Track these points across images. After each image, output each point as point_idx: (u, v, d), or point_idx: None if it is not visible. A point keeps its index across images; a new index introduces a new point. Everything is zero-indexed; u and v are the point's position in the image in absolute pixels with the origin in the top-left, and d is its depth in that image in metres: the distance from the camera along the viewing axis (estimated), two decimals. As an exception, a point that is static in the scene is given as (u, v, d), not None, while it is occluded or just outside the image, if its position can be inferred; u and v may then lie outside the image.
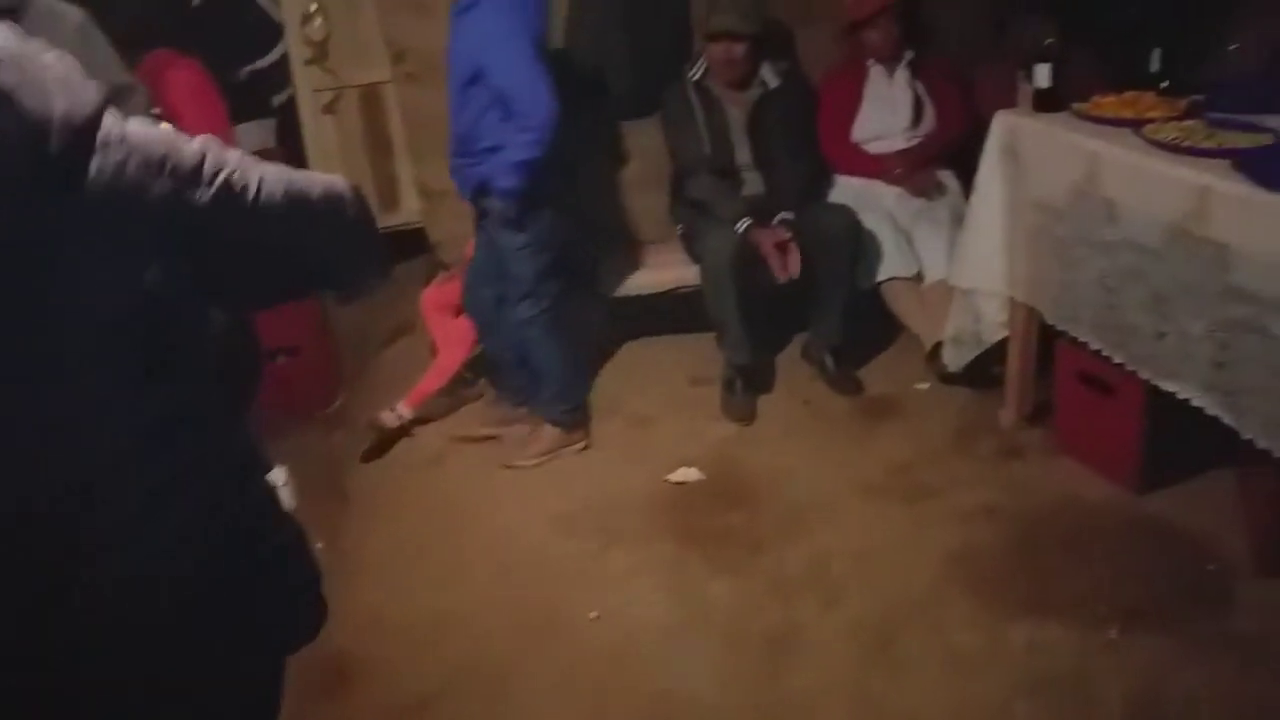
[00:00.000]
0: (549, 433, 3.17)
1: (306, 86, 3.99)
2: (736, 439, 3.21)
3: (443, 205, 3.81)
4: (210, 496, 1.09)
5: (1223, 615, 2.25)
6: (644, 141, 3.82)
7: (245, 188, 1.04)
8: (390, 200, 4.33)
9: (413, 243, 4.04)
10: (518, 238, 2.97)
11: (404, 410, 3.31)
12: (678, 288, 3.58)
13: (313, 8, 3.75)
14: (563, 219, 3.07)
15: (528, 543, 2.78)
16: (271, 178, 1.07)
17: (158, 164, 0.97)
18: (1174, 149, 2.28)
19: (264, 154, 3.83)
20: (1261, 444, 2.08)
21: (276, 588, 1.18)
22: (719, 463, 3.06)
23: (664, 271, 3.62)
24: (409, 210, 4.23)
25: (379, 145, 4.22)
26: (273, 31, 4.03)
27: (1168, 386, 2.33)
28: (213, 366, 1.12)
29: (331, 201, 1.14)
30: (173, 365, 1.04)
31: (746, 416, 3.31)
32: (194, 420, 1.07)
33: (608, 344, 3.79)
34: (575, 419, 3.22)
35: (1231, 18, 3.27)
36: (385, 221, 4.26)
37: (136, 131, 0.98)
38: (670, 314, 3.68)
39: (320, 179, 1.15)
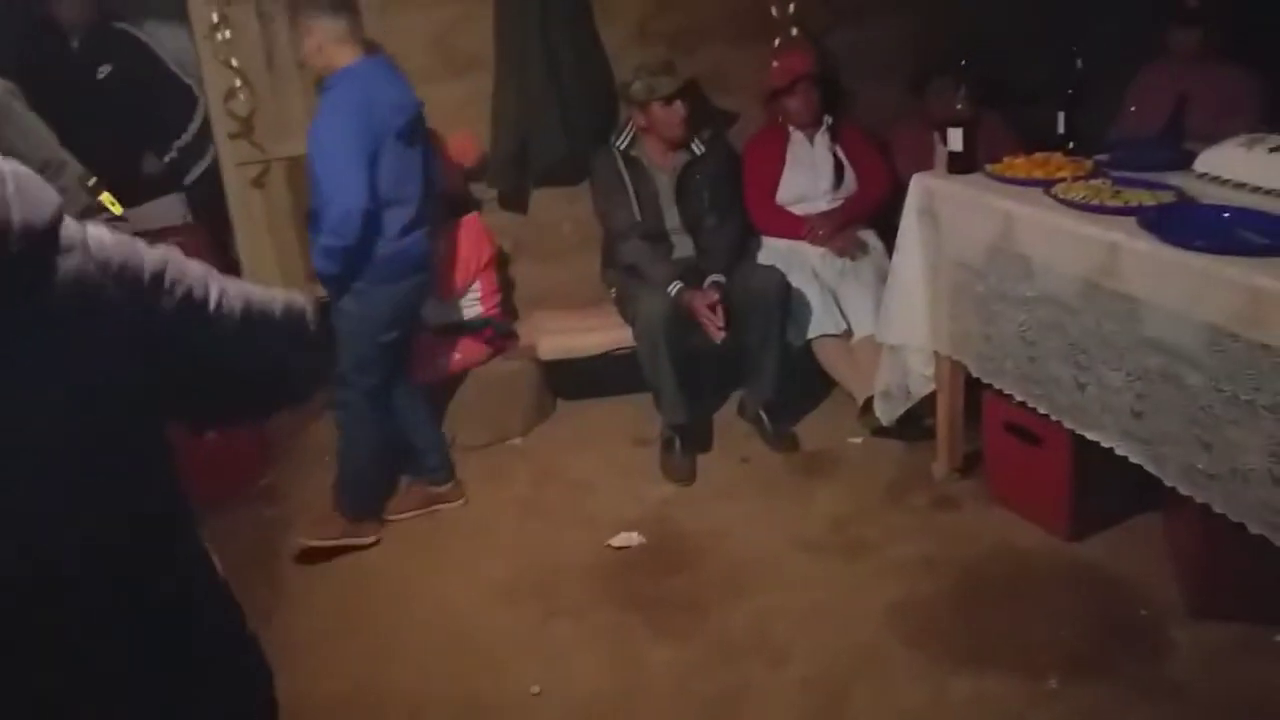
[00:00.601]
0: (335, 519, 3.04)
1: (231, 161, 3.95)
2: (677, 499, 3.21)
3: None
4: (167, 598, 1.07)
5: (1158, 660, 2.30)
6: (575, 208, 3.87)
7: (206, 299, 1.06)
8: (320, 271, 4.29)
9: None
10: (339, 319, 2.90)
11: None
12: (613, 350, 3.60)
13: (236, 83, 3.74)
14: (399, 310, 2.97)
15: (467, 615, 2.72)
16: (233, 292, 1.09)
17: (117, 270, 0.98)
18: (1083, 207, 2.38)
19: (179, 229, 3.81)
20: (1182, 490, 2.14)
21: (233, 685, 1.17)
22: (660, 525, 3.05)
23: (599, 334, 3.64)
24: (339, 280, 4.19)
25: (307, 218, 4.18)
26: (188, 97, 4.00)
27: (1091, 435, 2.40)
28: (171, 473, 1.10)
29: (292, 317, 1.17)
30: (130, 469, 1.03)
31: (686, 477, 3.31)
32: (148, 521, 1.05)
33: (546, 407, 3.78)
34: (359, 512, 3.06)
35: (1129, 82, 3.48)
36: (316, 292, 4.21)
37: (96, 237, 0.98)
38: (608, 376, 3.69)
39: (280, 296, 1.18)
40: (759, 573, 2.77)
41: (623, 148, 3.56)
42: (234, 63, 3.68)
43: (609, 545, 2.95)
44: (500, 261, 3.84)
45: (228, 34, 3.65)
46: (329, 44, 2.80)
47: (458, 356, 3.52)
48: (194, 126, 3.97)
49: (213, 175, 3.98)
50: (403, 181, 2.88)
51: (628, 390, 3.64)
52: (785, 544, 2.89)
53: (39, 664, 0.97)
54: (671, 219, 3.59)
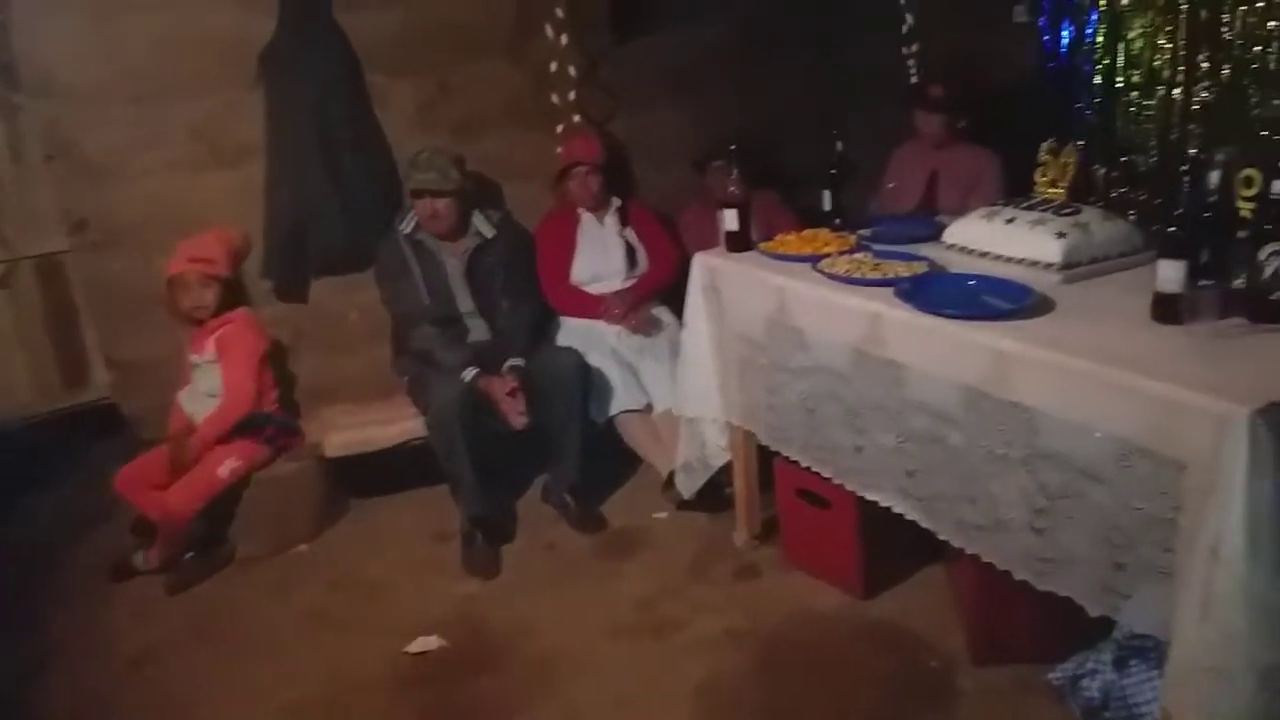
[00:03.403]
0: None
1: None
2: (481, 595, 3.08)
3: (135, 377, 3.51)
4: None
5: (949, 710, 2.37)
6: (361, 296, 3.74)
7: None
8: (78, 376, 3.94)
9: (106, 420, 3.66)
10: None
11: (152, 561, 3.24)
12: (408, 441, 3.46)
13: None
14: None
15: (251, 747, 2.49)
16: None
17: None
18: (846, 280, 2.50)
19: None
20: (955, 543, 2.25)
21: None
22: (463, 623, 2.91)
23: (391, 426, 3.49)
24: (99, 385, 3.85)
25: (61, 319, 3.85)
26: None
27: (871, 496, 2.49)
28: None
29: None
30: None
31: (489, 570, 3.19)
32: None
33: (336, 508, 3.57)
34: None
35: (886, 162, 3.76)
36: (75, 399, 3.88)
37: None
38: (403, 470, 3.53)
39: None
40: (568, 664, 2.68)
41: (407, 232, 3.48)
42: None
43: (406, 652, 2.78)
44: (279, 355, 3.64)
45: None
46: None
47: (235, 460, 3.28)
48: None
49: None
50: None
51: (425, 483, 3.50)
52: (594, 631, 2.82)
53: None
54: (464, 302, 3.53)
